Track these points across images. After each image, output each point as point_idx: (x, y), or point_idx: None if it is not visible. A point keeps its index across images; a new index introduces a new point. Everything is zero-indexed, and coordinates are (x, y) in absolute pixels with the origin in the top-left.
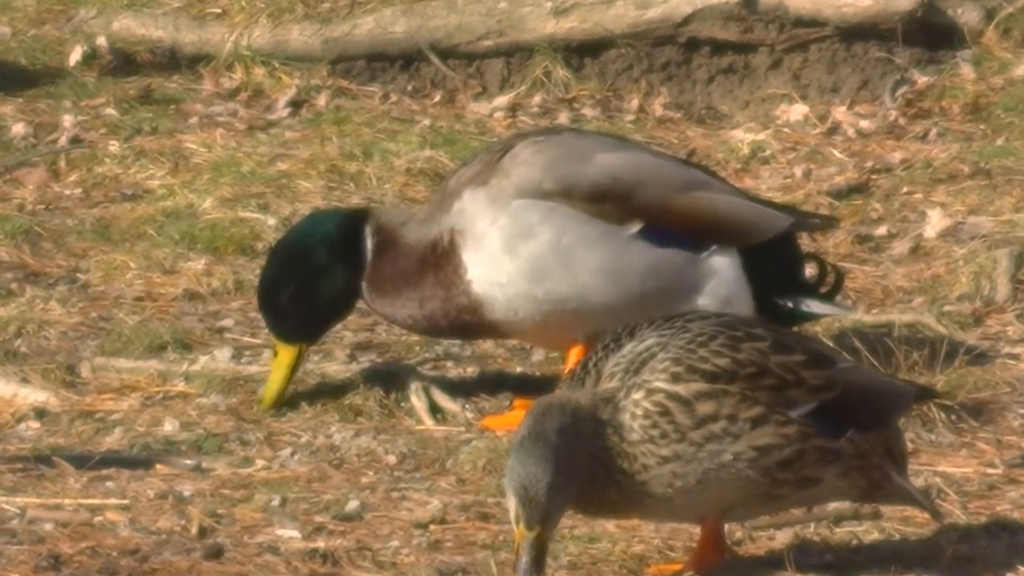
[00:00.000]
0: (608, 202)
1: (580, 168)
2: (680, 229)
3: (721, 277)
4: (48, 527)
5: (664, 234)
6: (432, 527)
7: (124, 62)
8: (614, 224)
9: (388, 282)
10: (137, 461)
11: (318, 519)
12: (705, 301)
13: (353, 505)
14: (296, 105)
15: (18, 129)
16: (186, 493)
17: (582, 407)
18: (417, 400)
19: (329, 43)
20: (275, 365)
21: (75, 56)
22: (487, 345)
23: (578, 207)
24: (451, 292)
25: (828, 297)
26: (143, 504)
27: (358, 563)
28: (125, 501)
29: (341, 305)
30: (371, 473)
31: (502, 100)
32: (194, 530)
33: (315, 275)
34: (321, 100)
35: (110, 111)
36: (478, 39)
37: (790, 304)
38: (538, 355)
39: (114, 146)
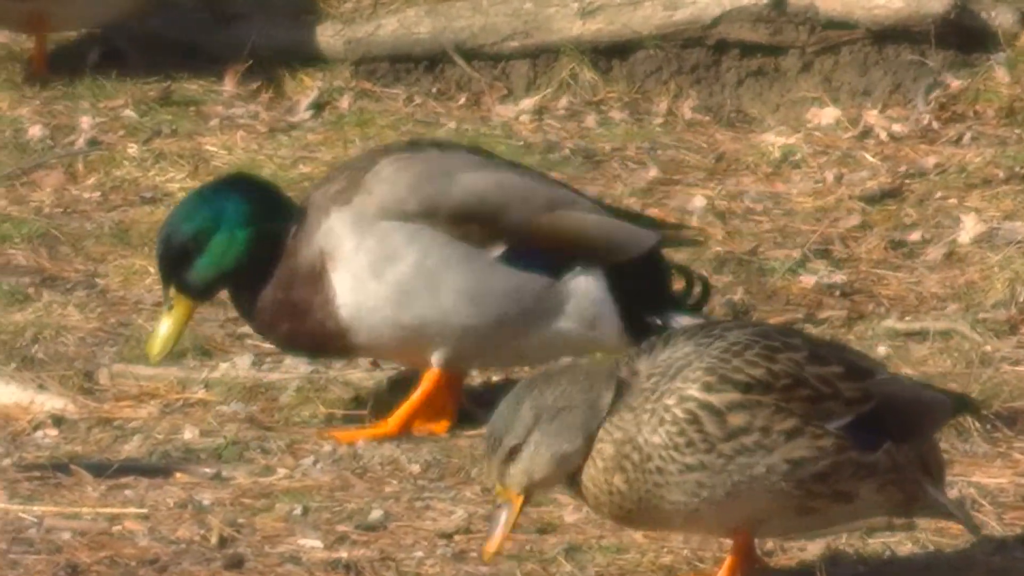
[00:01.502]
0: (472, 223)
1: (444, 188)
2: (544, 250)
3: (585, 297)
4: (66, 536)
5: (527, 256)
6: (457, 537)
7: (143, 63)
8: (476, 247)
9: (265, 288)
10: (156, 469)
11: (341, 528)
12: (569, 323)
13: (376, 514)
14: (318, 107)
15: (35, 131)
16: (206, 502)
17: (610, 380)
18: None
19: (352, 44)
20: (173, 319)
21: (93, 57)
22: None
23: (441, 229)
24: (320, 316)
25: (696, 309)
26: (162, 513)
27: (381, 573)
28: (144, 510)
29: (248, 279)
30: (394, 482)
31: (528, 103)
32: (214, 539)
33: (243, 241)
34: (344, 102)
35: (129, 112)
36: (503, 40)
37: (659, 320)
38: (567, 359)
39: (133, 148)
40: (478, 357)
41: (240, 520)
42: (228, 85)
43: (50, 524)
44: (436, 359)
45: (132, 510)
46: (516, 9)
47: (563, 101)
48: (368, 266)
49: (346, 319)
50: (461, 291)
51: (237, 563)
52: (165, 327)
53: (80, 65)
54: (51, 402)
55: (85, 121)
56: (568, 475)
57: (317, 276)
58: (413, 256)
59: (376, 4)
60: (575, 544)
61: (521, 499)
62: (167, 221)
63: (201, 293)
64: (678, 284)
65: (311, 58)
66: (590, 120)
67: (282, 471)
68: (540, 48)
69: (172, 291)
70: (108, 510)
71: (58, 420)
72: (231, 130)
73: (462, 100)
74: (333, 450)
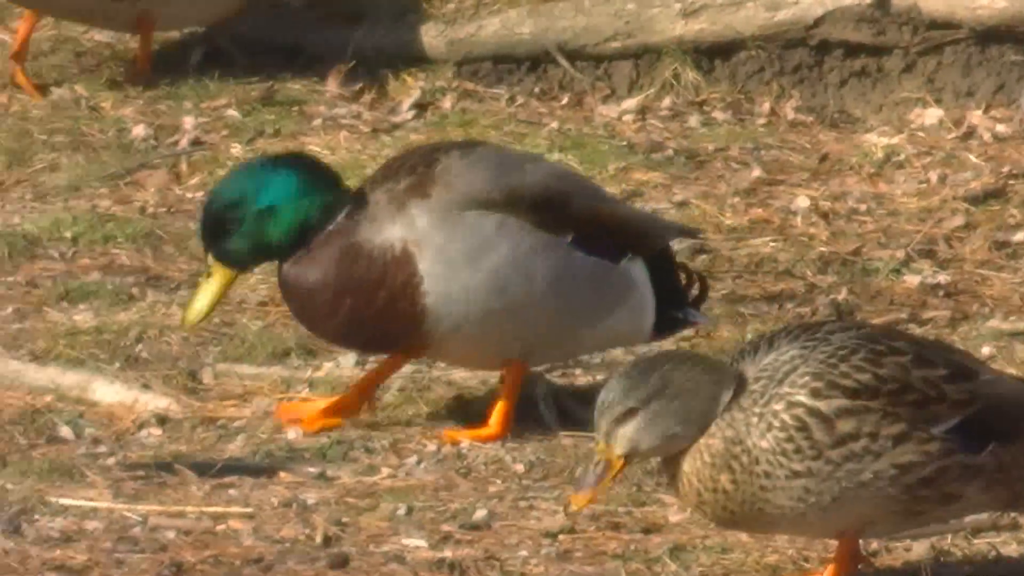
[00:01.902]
0: (547, 212)
1: (521, 178)
2: (603, 239)
3: (641, 285)
4: (170, 535)
5: (591, 243)
6: (561, 537)
7: (247, 63)
8: (552, 234)
9: (321, 267)
10: (260, 469)
11: (445, 528)
12: (626, 311)
13: (481, 514)
14: (421, 107)
15: (139, 131)
16: (310, 501)
17: (730, 377)
18: (545, 408)
19: (454, 44)
20: (208, 289)
21: (196, 57)
22: (616, 352)
23: (523, 217)
24: (396, 297)
25: (696, 305)
26: (267, 512)
27: (486, 573)
28: (248, 509)
29: (293, 257)
30: (499, 482)
31: (631, 103)
32: (319, 539)
33: (286, 216)
34: (446, 102)
35: (232, 112)
36: (606, 40)
37: (679, 314)
38: None
39: (236, 148)
40: (554, 347)
41: (344, 519)
42: (331, 85)
43: (155, 523)
44: (516, 351)
45: (236, 509)
46: (618, 10)
47: (666, 101)
48: (462, 256)
49: (430, 307)
50: (549, 278)
51: (342, 562)
52: (201, 295)
53: (183, 65)
54: (155, 401)
55: (188, 121)
56: (668, 458)
57: (397, 262)
58: (505, 245)
59: (478, 5)
60: (680, 544)
61: (621, 462)
62: (213, 189)
63: (238, 263)
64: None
65: (414, 58)
66: (693, 120)
67: (386, 470)
68: (642, 48)
69: (211, 259)
70: (212, 509)
71: (162, 419)
72: (334, 130)
73: (564, 100)
74: (437, 449)
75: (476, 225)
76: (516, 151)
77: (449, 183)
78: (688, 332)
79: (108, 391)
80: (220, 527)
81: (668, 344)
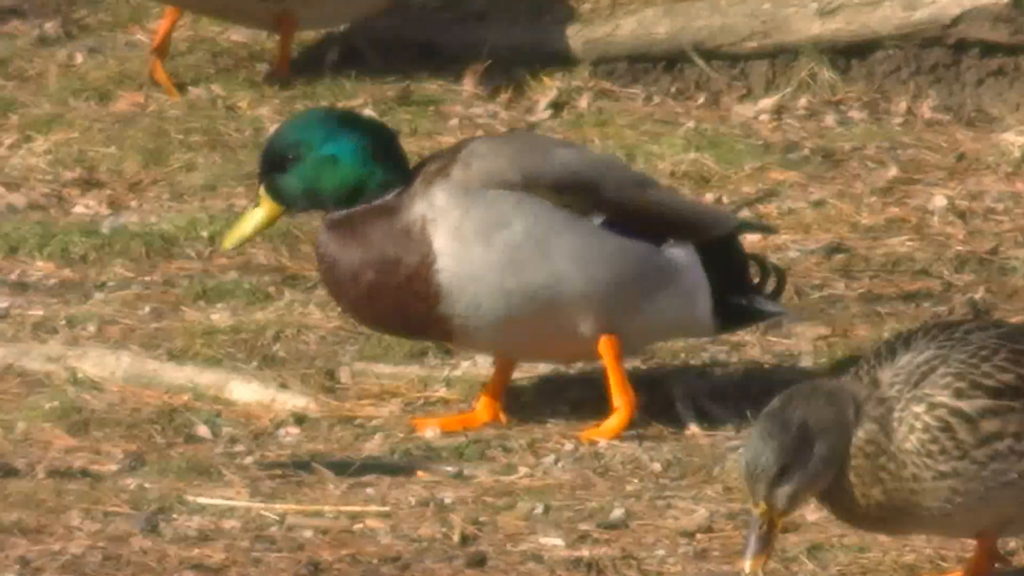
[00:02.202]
0: (572, 194)
1: (542, 161)
2: (639, 223)
3: (684, 271)
4: (308, 534)
5: (626, 226)
6: (699, 536)
7: (382, 63)
8: (578, 215)
9: (352, 237)
10: (398, 467)
11: (582, 527)
12: (672, 296)
13: (618, 513)
14: (557, 107)
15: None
16: (448, 500)
17: (847, 396)
18: (683, 407)
19: (591, 44)
20: (253, 217)
21: (332, 56)
22: (754, 351)
23: (543, 197)
24: (412, 276)
25: (773, 297)
26: (404, 511)
27: (623, 572)
28: (386, 508)
29: (332, 208)
30: (636, 481)
31: (767, 102)
32: (456, 538)
33: (344, 171)
34: (583, 101)
35: (368, 112)
36: (742, 40)
37: (744, 301)
38: (807, 361)
39: None
40: (622, 320)
41: (482, 518)
42: (467, 85)
43: (292, 522)
44: (585, 328)
45: (374, 508)
46: (754, 9)
47: (802, 101)
48: (475, 232)
49: (445, 285)
50: (571, 255)
51: (479, 561)
52: (244, 223)
53: (320, 65)
54: (293, 400)
55: None
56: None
57: (415, 240)
58: (522, 222)
59: (614, 4)
60: (817, 543)
61: (782, 519)
62: (285, 121)
63: (287, 201)
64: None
65: (550, 58)
66: (829, 119)
67: (523, 469)
68: (778, 48)
69: (262, 190)
70: (350, 508)
71: (300, 418)
72: (470, 129)
73: (701, 100)
74: (574, 448)
75: (492, 202)
76: (558, 140)
77: (469, 163)
78: (824, 332)
79: (246, 390)
80: (357, 526)
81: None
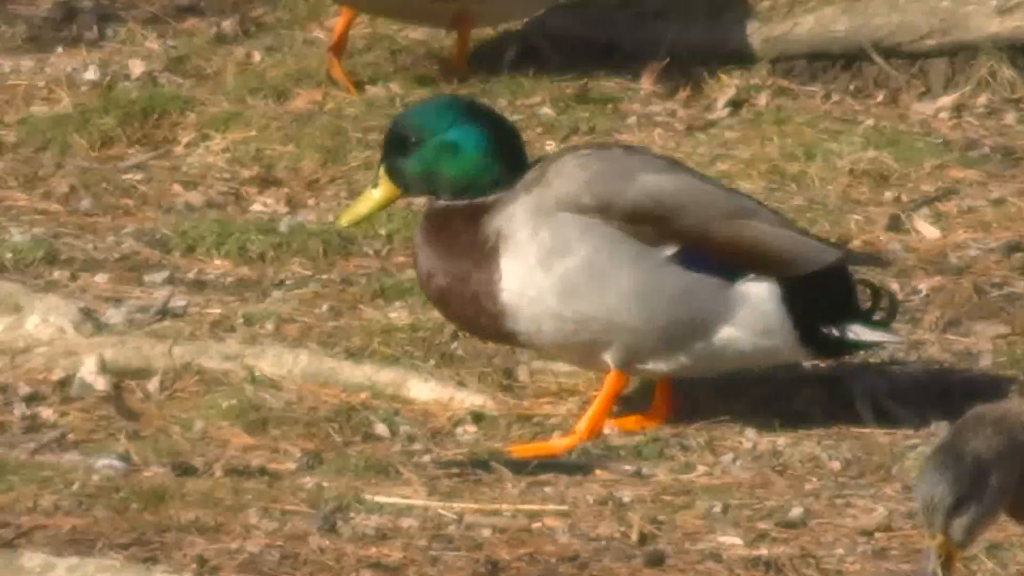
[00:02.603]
0: (646, 223)
1: (621, 186)
2: (717, 256)
3: (757, 306)
4: (486, 533)
5: (699, 259)
6: (877, 535)
7: (560, 61)
8: (649, 245)
9: (444, 235)
10: (576, 466)
11: (761, 526)
12: (738, 331)
13: (796, 512)
14: (735, 105)
15: None
16: (626, 499)
17: (1015, 419)
18: (862, 406)
19: (769, 42)
20: (370, 197)
21: (510, 55)
22: (933, 349)
23: (615, 225)
24: (481, 293)
25: (883, 324)
26: (582, 510)
27: (802, 571)
28: (564, 507)
29: (452, 190)
30: (814, 479)
31: (946, 100)
32: (634, 536)
33: (465, 160)
34: (761, 99)
35: (546, 110)
36: (920, 38)
37: (836, 332)
38: (986, 360)
39: (550, 145)
40: (650, 360)
41: (660, 517)
42: (646, 83)
43: (470, 521)
44: (610, 359)
45: (552, 507)
46: (933, 7)
47: (982, 99)
48: (538, 256)
49: (506, 304)
50: (629, 291)
51: (657, 560)
52: (362, 202)
53: (497, 63)
54: (470, 398)
55: None
56: None
57: (487, 254)
58: (584, 251)
59: (792, 3)
60: (996, 542)
61: (960, 554)
62: (412, 104)
63: (404, 184)
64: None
65: (728, 56)
66: (1009, 118)
67: (702, 468)
68: (957, 46)
69: (382, 170)
70: (528, 507)
71: (478, 417)
72: (648, 128)
73: (879, 98)
74: (753, 447)
75: (560, 226)
76: (655, 161)
77: (550, 182)
78: (1003, 330)
79: (423, 388)
80: (535, 525)
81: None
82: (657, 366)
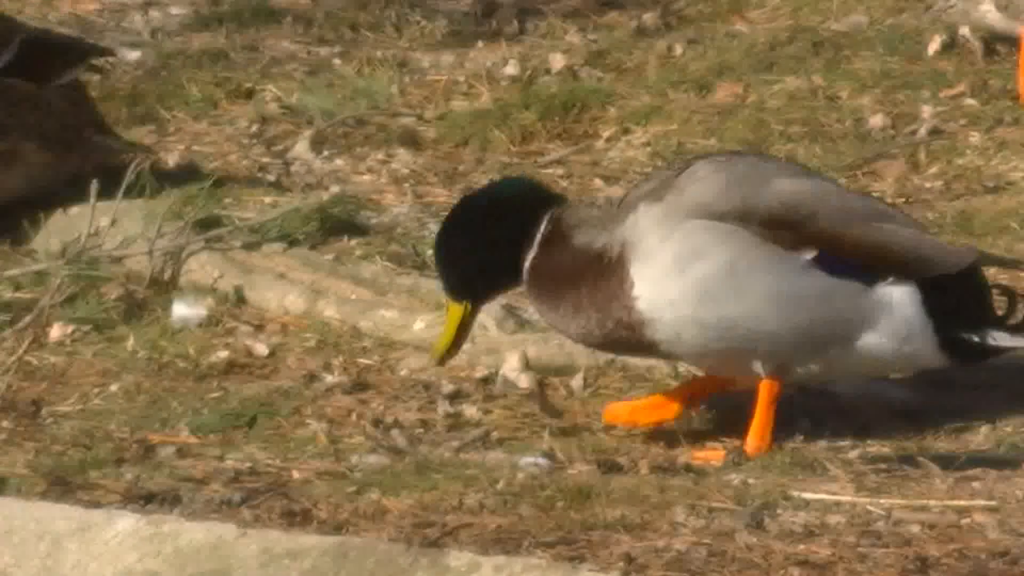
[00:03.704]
0: (783, 228)
1: (757, 192)
2: (855, 259)
3: (898, 310)
4: (914, 529)
5: (837, 263)
6: None
7: (985, 52)
8: (787, 250)
9: (548, 278)
10: (1004, 461)
11: None
12: (880, 337)
13: None
14: None
15: (876, 121)
16: None
17: None
18: None
19: None
20: (446, 320)
21: (933, 46)
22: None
23: (752, 231)
24: (611, 305)
25: (1020, 330)
26: (1012, 505)
27: None
28: (992, 502)
29: (501, 274)
30: None
31: None
32: None
33: (482, 237)
34: None
35: (970, 101)
36: None
37: (976, 338)
38: None
39: (975, 137)
40: (795, 366)
41: None
42: None
43: (898, 517)
44: (760, 367)
45: (980, 502)
46: None
47: None
48: (671, 261)
49: (643, 312)
50: (770, 295)
51: None
52: (444, 332)
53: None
54: (895, 392)
55: (926, 110)
56: None
57: (613, 267)
58: (722, 256)
59: None
60: None
61: None
62: (439, 230)
63: (469, 297)
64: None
65: None
66: None
67: None
68: None
69: (446, 297)
70: (956, 502)
71: (905, 413)
72: None
73: None
74: None
75: (692, 232)
76: (789, 167)
77: (683, 189)
78: None
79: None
80: (964, 520)
81: None
82: (802, 372)
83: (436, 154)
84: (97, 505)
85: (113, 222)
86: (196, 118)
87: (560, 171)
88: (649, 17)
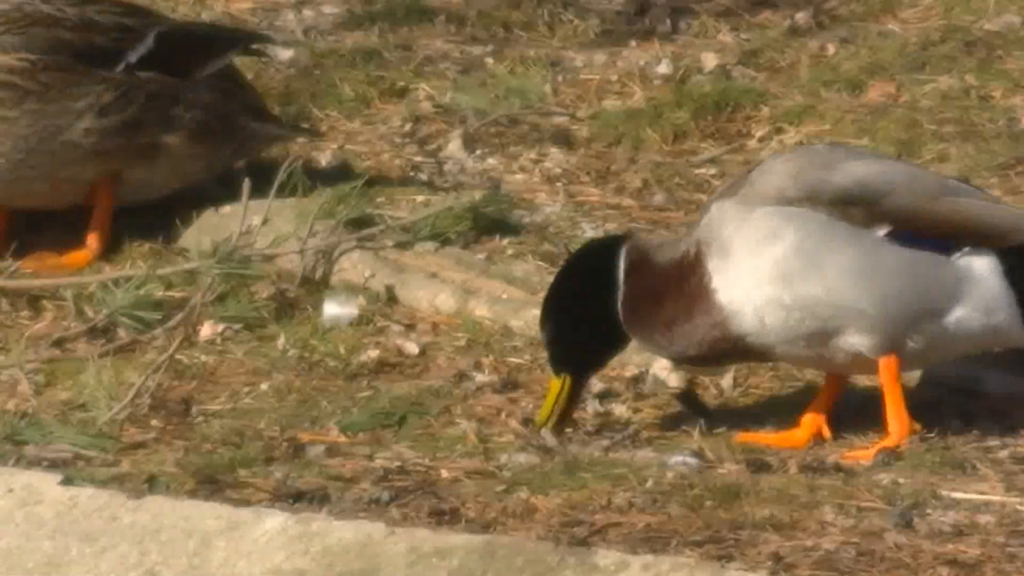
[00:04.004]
0: (854, 207)
1: (826, 175)
2: (931, 234)
3: (981, 281)
4: None
5: (913, 238)
6: None
7: None
8: (860, 227)
9: (639, 303)
10: None
11: None
12: (966, 309)
13: None
14: None
15: None
16: None
17: None
18: None
19: None
20: (555, 394)
21: None
22: None
23: (823, 211)
24: (696, 306)
25: None
26: None
27: None
28: None
29: (604, 334)
30: None
31: None
32: None
33: (573, 304)
34: None
35: None
36: None
37: None
38: None
39: None
40: (891, 344)
41: None
42: None
43: None
44: (867, 348)
45: None
46: None
47: None
48: (745, 247)
49: (723, 302)
50: (850, 269)
51: None
52: (549, 401)
53: None
54: None
55: None
56: None
57: (691, 266)
58: (792, 236)
59: None
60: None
61: None
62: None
63: (575, 370)
64: None
65: None
66: None
67: None
68: None
69: (553, 370)
70: None
71: None
72: None
73: None
74: None
75: (764, 217)
76: (856, 151)
77: (754, 182)
78: None
79: (998, 381)
80: None
81: None
82: (908, 349)
83: (588, 153)
84: (246, 504)
85: (265, 221)
86: (349, 117)
87: (712, 171)
88: (802, 16)
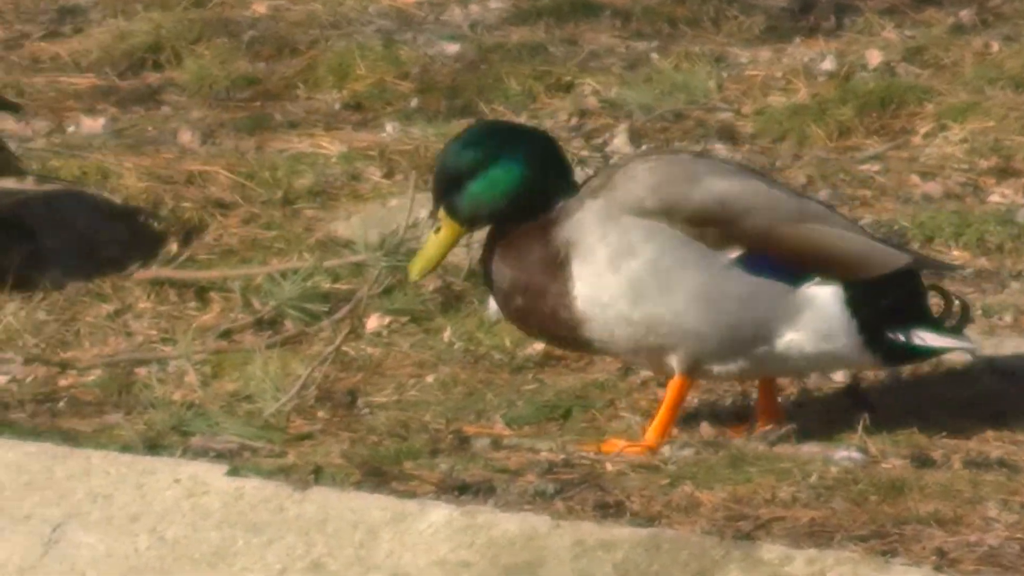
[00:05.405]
0: (710, 226)
1: (686, 190)
2: (782, 259)
3: (821, 310)
4: None
5: (763, 263)
6: None
7: None
8: (713, 249)
9: (519, 250)
10: None
11: None
12: (802, 334)
13: None
14: None
15: None
16: None
17: None
18: None
19: None
20: (436, 242)
21: None
22: None
23: (679, 228)
24: (556, 303)
25: (955, 330)
26: None
27: None
28: None
29: (513, 213)
30: None
31: None
32: None
33: (522, 178)
34: None
35: None
36: None
37: (902, 338)
38: None
39: None
40: (715, 364)
41: None
42: None
43: None
44: (676, 364)
45: None
46: None
47: None
48: (607, 259)
49: (581, 311)
50: (695, 293)
51: None
52: (428, 249)
53: None
54: None
55: None
56: None
57: (559, 264)
58: (649, 253)
59: None
60: None
61: None
62: (454, 140)
63: (466, 220)
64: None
65: None
66: None
67: None
68: None
69: (441, 212)
70: None
71: None
72: None
73: None
74: None
75: (626, 230)
76: (723, 165)
77: (617, 186)
78: None
79: None
80: None
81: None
82: (720, 370)
83: (753, 148)
84: (412, 496)
85: (431, 214)
86: (515, 111)
87: (876, 167)
88: (966, 14)
